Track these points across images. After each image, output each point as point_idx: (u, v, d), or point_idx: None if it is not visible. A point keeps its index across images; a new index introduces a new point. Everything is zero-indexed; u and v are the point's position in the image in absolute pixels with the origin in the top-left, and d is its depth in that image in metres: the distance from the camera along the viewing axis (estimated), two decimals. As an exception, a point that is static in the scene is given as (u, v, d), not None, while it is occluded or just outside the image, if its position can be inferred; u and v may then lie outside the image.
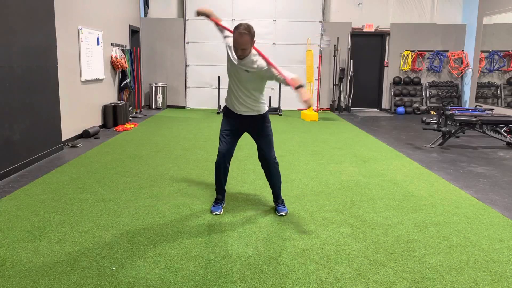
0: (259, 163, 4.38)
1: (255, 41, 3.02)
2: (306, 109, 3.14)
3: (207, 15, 3.33)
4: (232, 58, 3.13)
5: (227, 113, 3.32)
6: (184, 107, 10.62)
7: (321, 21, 10.29)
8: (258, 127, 3.26)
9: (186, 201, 3.63)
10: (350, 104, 10.50)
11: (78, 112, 6.40)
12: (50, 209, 3.41)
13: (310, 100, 2.84)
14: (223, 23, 3.33)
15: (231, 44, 3.13)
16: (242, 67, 3.07)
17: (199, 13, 3.38)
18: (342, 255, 2.68)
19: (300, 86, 2.90)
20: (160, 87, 10.23)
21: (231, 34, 3.16)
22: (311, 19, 10.29)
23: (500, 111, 8.17)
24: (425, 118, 6.99)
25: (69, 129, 6.04)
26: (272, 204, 3.55)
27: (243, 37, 2.92)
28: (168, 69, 10.45)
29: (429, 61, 10.49)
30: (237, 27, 2.95)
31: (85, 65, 6.66)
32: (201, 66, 10.46)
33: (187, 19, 10.26)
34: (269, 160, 3.29)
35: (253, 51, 3.06)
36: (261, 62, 3.03)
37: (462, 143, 6.48)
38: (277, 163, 3.34)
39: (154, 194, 3.81)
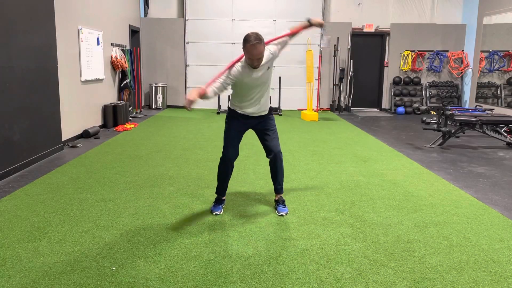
0: (259, 163, 4.38)
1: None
2: (321, 26, 3.31)
3: (201, 97, 2.95)
4: (245, 77, 3.04)
5: (235, 116, 3.27)
6: (184, 107, 10.61)
7: (321, 21, 10.29)
8: (264, 122, 3.30)
9: (186, 201, 3.63)
10: (350, 104, 10.50)
11: (78, 112, 6.40)
12: (50, 209, 3.41)
13: (320, 20, 3.29)
14: (207, 85, 3.00)
15: (234, 73, 3.02)
16: (262, 70, 3.08)
17: (191, 102, 2.90)
18: (342, 255, 2.68)
19: (307, 22, 3.30)
20: (160, 87, 10.23)
21: (226, 73, 3.02)
22: (311, 19, 10.27)
23: (500, 111, 8.17)
24: (425, 118, 6.99)
25: (69, 129, 6.04)
26: (272, 204, 3.55)
27: (257, 48, 2.90)
28: (168, 69, 10.45)
29: (429, 61, 10.49)
30: (247, 40, 2.90)
31: (85, 65, 6.66)
32: (201, 66, 10.46)
33: (187, 19, 10.26)
34: (278, 153, 3.31)
35: None
36: (270, 49, 3.15)
37: (462, 143, 6.48)
38: (282, 154, 3.38)
39: (154, 194, 3.81)
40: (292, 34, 3.31)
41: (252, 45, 2.89)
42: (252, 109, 3.22)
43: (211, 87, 3.00)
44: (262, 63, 3.05)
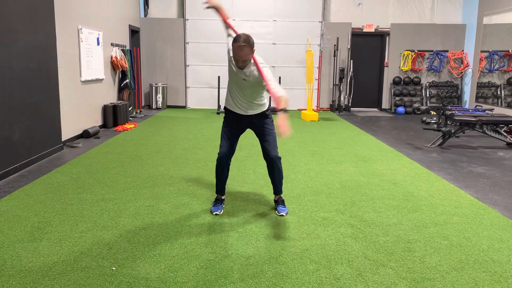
0: (259, 163, 4.36)
1: (255, 50, 3.01)
2: (281, 135, 2.86)
3: (216, 9, 3.32)
4: (232, 63, 3.13)
5: (228, 113, 3.34)
6: (184, 107, 10.62)
7: (321, 21, 10.29)
8: (260, 124, 3.28)
9: (186, 201, 3.63)
10: (350, 104, 10.50)
11: (78, 112, 6.40)
12: (50, 209, 3.41)
13: (286, 129, 2.69)
14: (230, 22, 3.31)
15: (230, 40, 3.15)
16: (241, 75, 3.09)
17: (209, 7, 3.33)
18: (342, 255, 2.68)
19: (282, 110, 2.80)
20: (160, 87, 10.23)
21: (234, 34, 3.17)
22: (311, 19, 10.29)
23: (500, 111, 8.17)
24: (425, 118, 7.00)
25: (69, 129, 6.04)
26: (272, 204, 3.55)
27: (243, 50, 2.90)
28: (168, 69, 10.45)
29: (429, 61, 10.49)
30: (236, 40, 2.91)
31: (85, 65, 6.66)
32: (201, 66, 10.46)
33: (187, 19, 10.26)
34: (274, 158, 3.27)
35: (252, 60, 3.07)
36: (256, 73, 3.06)
37: (462, 143, 6.48)
38: (279, 158, 3.32)
39: (154, 194, 3.81)
40: (228, 25, 3.33)
41: (239, 46, 2.90)
42: (239, 108, 3.24)
43: (230, 20, 3.33)
44: (249, 69, 3.05)
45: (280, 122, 2.72)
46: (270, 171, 3.37)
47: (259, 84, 3.09)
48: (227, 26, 3.30)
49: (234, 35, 3.16)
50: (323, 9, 10.30)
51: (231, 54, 3.09)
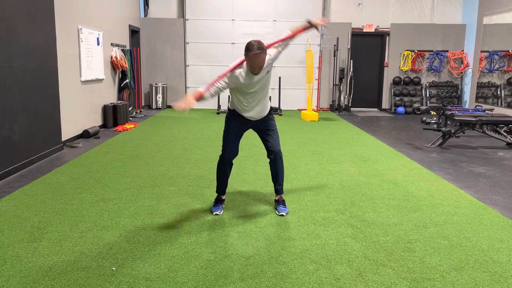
0: (259, 163, 4.36)
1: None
2: (317, 28, 3.25)
3: (197, 101, 3.01)
4: (244, 83, 3.04)
5: (235, 117, 3.28)
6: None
7: (321, 21, 10.29)
8: (265, 123, 3.31)
9: (186, 201, 3.63)
10: (350, 104, 10.50)
11: (78, 112, 6.40)
12: (50, 209, 3.41)
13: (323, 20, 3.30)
14: (205, 88, 3.02)
15: (233, 79, 3.01)
16: (262, 74, 3.06)
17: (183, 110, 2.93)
18: (342, 255, 2.68)
19: (308, 23, 3.26)
20: (160, 87, 10.23)
21: (225, 78, 3.01)
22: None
23: (500, 111, 8.18)
24: (425, 118, 6.99)
25: (69, 129, 6.04)
26: (273, 204, 3.55)
27: (259, 57, 2.88)
28: (168, 69, 10.45)
29: (429, 61, 10.49)
30: (250, 49, 2.87)
31: (85, 65, 6.66)
32: (201, 66, 10.46)
33: (187, 19, 10.26)
34: (278, 153, 3.31)
35: None
36: (269, 53, 3.09)
37: (462, 143, 6.48)
38: (281, 153, 3.37)
39: (154, 194, 3.81)
40: (293, 36, 3.27)
41: (255, 54, 2.87)
42: (252, 114, 3.22)
43: (208, 90, 3.02)
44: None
45: (317, 20, 3.30)
46: (273, 167, 3.38)
47: (268, 79, 3.17)
48: (214, 89, 3.03)
49: (220, 86, 3.02)
50: (323, 9, 10.30)
51: (238, 78, 3.01)
